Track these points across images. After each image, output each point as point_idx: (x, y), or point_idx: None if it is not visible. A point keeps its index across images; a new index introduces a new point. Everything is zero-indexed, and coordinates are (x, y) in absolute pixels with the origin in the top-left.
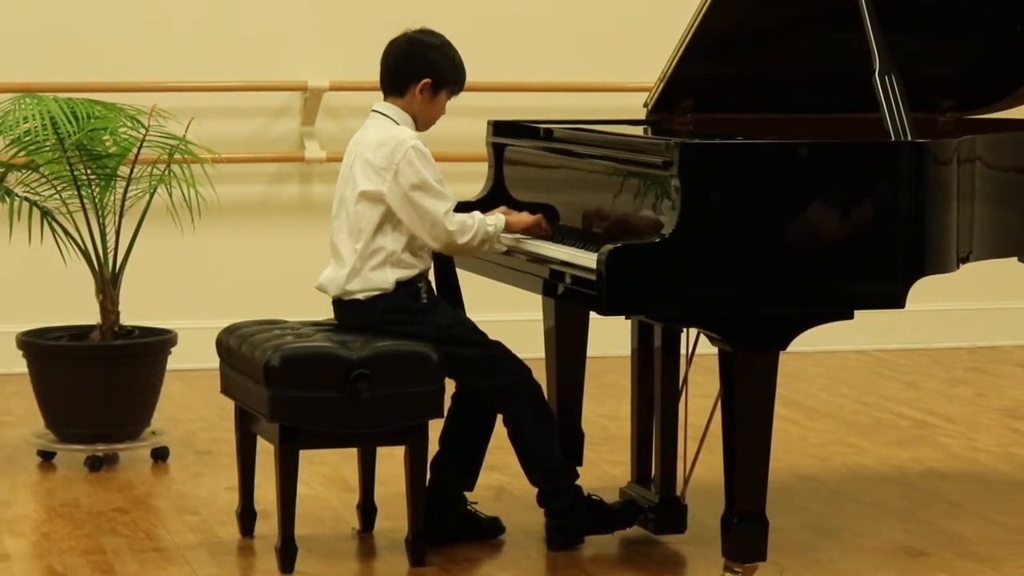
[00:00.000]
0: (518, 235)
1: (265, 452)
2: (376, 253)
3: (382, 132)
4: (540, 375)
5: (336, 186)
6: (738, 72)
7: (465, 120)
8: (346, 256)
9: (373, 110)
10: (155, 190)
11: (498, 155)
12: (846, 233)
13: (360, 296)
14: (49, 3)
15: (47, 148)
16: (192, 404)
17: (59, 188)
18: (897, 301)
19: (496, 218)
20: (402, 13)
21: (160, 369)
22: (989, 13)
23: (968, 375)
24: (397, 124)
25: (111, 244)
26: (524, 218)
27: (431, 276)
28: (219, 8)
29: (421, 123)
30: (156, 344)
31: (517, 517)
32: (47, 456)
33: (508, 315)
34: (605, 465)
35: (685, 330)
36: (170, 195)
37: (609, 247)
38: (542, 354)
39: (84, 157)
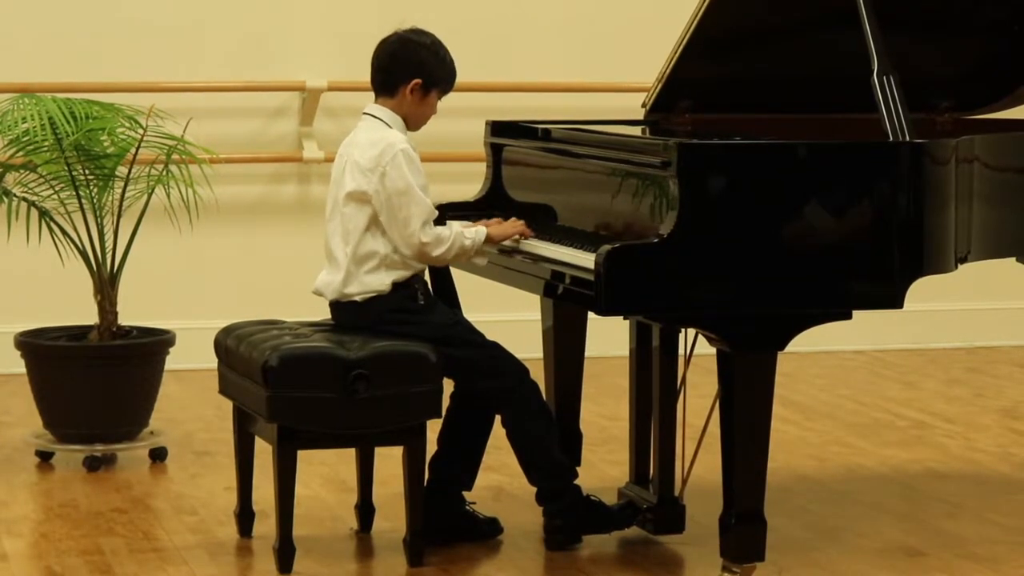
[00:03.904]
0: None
1: (263, 452)
2: (369, 257)
3: (372, 134)
4: (538, 375)
5: (329, 189)
6: (736, 72)
7: (463, 120)
8: (340, 259)
9: (364, 112)
10: (153, 190)
11: (496, 155)
12: (844, 233)
13: (357, 298)
14: (48, 3)
15: (45, 148)
16: (190, 404)
17: (57, 188)
18: (895, 301)
19: (476, 231)
20: (401, 13)
21: (158, 369)
22: (989, 13)
23: (967, 375)
24: (388, 127)
25: (109, 244)
26: (507, 228)
27: (427, 277)
28: (218, 8)
29: (412, 123)
30: (154, 344)
31: (515, 517)
32: (45, 456)
33: (507, 315)
34: (603, 465)
35: (683, 330)
36: (168, 195)
37: (607, 247)
38: (540, 354)
39: (82, 157)
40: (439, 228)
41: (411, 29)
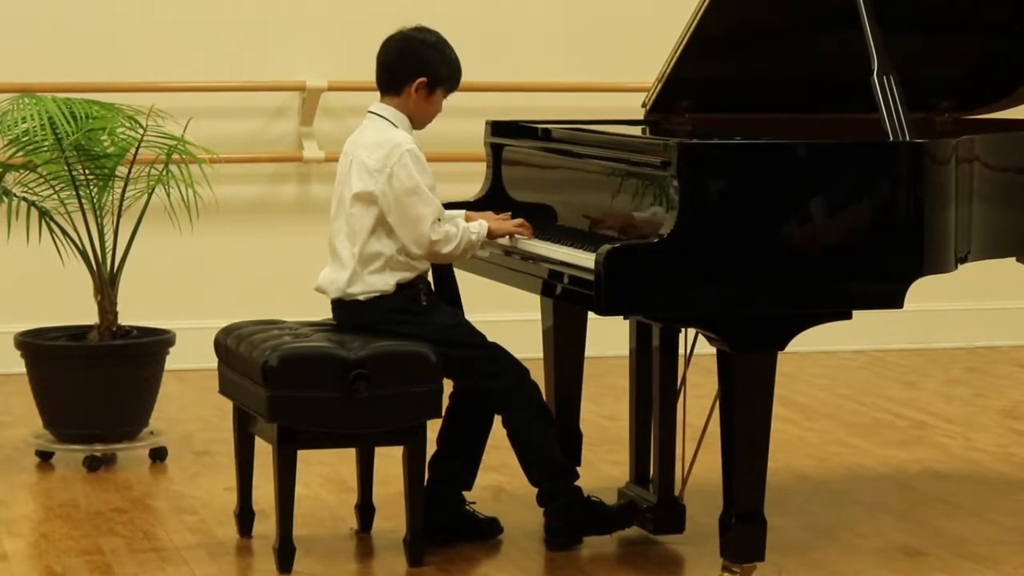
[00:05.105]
0: (503, 241)
1: (263, 452)
2: (375, 258)
3: (378, 134)
4: (539, 375)
5: (334, 187)
6: (736, 72)
7: (463, 120)
8: (345, 259)
9: (369, 111)
10: (153, 190)
11: (496, 155)
12: (844, 233)
13: (361, 297)
14: (48, 3)
15: (45, 148)
16: (190, 404)
17: (57, 188)
18: (896, 301)
19: (479, 224)
20: (400, 13)
21: (158, 369)
22: (989, 13)
23: (967, 375)
24: (394, 126)
25: (109, 244)
26: (508, 225)
27: (429, 277)
28: (218, 8)
29: (417, 122)
30: (154, 344)
31: (516, 517)
32: (45, 456)
33: (507, 315)
34: (603, 465)
35: (683, 330)
36: (168, 195)
37: (607, 247)
38: (540, 354)
39: (82, 157)
40: (447, 226)
41: (416, 28)
